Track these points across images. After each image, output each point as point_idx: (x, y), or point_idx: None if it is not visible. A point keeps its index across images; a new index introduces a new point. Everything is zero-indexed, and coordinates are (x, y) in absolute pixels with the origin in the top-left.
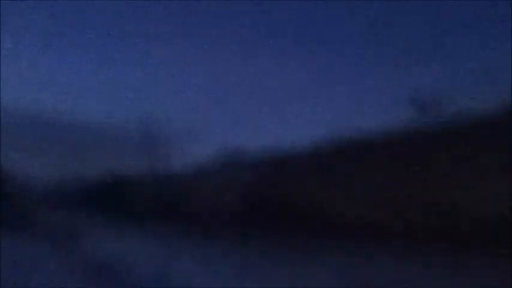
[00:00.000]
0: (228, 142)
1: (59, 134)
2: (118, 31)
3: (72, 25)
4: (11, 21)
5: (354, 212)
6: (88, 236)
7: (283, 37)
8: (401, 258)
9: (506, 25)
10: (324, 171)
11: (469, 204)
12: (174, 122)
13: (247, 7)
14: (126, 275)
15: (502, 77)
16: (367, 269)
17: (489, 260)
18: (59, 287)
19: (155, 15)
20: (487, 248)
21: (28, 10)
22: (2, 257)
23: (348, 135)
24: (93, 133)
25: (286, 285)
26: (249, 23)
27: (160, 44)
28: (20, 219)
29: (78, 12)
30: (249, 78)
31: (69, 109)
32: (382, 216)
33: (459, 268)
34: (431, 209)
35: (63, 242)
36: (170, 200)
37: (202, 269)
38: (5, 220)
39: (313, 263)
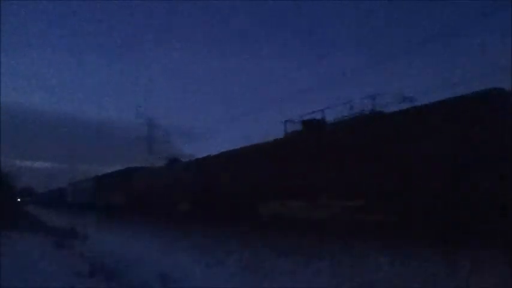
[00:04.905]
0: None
1: (59, 133)
2: (119, 33)
3: (74, 26)
4: (12, 21)
5: None
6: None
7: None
8: None
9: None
10: None
11: None
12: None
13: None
14: None
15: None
16: None
17: None
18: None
19: (155, 17)
20: None
21: (29, 11)
22: (1, 256)
23: None
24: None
25: None
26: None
27: (163, 46)
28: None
29: (80, 14)
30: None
31: (70, 109)
32: None
33: None
34: None
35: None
36: None
37: None
38: (4, 219)
39: None
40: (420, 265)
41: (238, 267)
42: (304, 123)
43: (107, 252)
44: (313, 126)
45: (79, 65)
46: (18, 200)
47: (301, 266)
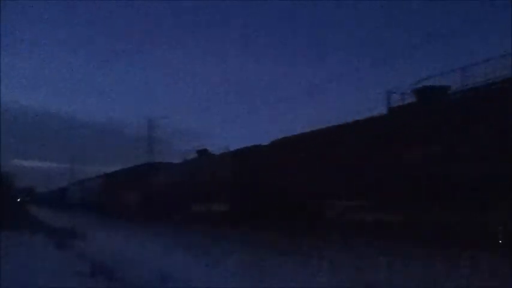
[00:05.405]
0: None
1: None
2: (119, 33)
3: (74, 26)
4: (11, 21)
5: None
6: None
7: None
8: None
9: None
10: None
11: None
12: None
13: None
14: None
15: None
16: None
17: None
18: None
19: (155, 17)
20: None
21: (29, 11)
22: (1, 256)
23: None
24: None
25: None
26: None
27: (162, 45)
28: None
29: (80, 14)
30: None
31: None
32: None
33: None
34: None
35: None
36: None
37: None
38: (5, 219)
39: None
40: (420, 265)
41: (240, 267)
42: (418, 92)
43: (111, 252)
44: (432, 96)
45: (79, 64)
46: (18, 200)
47: (300, 265)
